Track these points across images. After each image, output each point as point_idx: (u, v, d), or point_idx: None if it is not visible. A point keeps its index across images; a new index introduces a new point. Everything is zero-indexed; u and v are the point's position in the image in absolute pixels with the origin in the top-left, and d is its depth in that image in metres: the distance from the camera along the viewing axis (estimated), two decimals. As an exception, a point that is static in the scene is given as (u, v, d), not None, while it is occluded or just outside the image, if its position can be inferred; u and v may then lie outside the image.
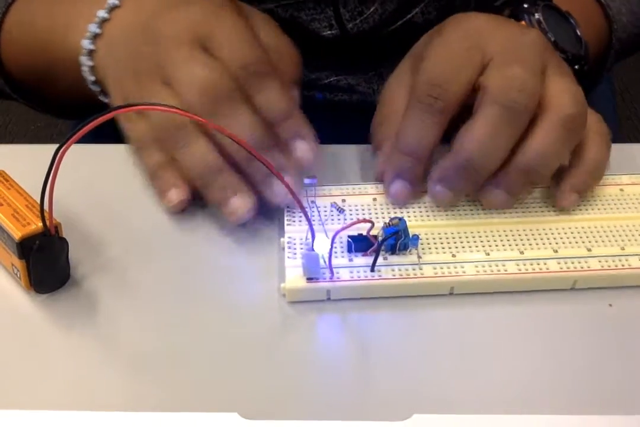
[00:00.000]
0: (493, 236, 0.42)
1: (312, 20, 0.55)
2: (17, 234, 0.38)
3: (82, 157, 0.43)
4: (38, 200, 0.36)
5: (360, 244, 0.40)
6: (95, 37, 0.45)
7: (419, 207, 0.43)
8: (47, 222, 0.37)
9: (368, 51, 0.58)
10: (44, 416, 0.35)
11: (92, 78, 0.46)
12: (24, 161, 0.45)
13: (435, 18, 0.44)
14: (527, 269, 0.40)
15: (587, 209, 0.44)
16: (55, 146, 0.35)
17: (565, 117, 0.41)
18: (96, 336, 0.39)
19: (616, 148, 0.45)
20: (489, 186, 0.42)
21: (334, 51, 0.58)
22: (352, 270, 0.40)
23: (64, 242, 0.39)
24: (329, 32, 0.56)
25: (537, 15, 0.48)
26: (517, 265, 0.40)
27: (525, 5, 0.49)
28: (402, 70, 0.46)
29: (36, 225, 0.38)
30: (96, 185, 0.45)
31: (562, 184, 0.43)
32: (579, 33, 0.47)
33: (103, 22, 0.45)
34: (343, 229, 0.39)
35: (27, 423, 0.35)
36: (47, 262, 0.39)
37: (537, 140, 0.41)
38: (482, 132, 0.40)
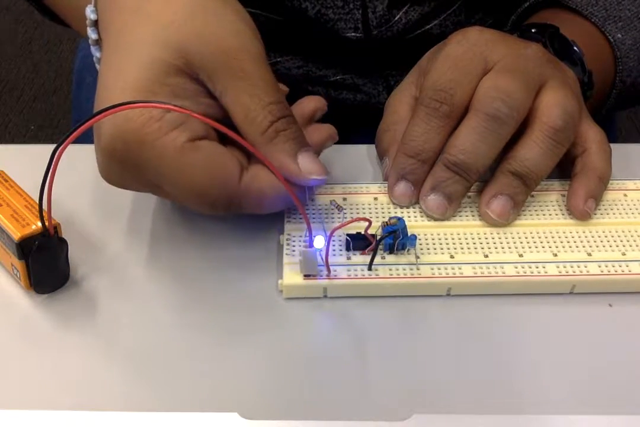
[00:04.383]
0: (492, 238, 0.42)
1: (339, 20, 0.56)
2: (16, 234, 0.38)
3: (81, 157, 0.43)
4: (37, 201, 0.36)
5: (358, 242, 0.40)
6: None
7: (419, 208, 0.43)
8: (46, 223, 0.37)
9: (379, 55, 0.59)
10: (44, 416, 0.35)
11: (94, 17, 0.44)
12: (24, 161, 0.46)
13: (450, 31, 0.46)
14: (525, 272, 0.40)
15: (589, 213, 0.44)
16: (54, 146, 0.35)
17: (551, 129, 0.42)
18: (96, 336, 0.39)
19: (615, 148, 0.45)
20: (486, 196, 0.43)
21: (347, 51, 0.58)
22: (350, 268, 0.40)
23: (63, 243, 0.39)
24: (352, 34, 0.56)
25: (543, 40, 0.49)
26: (516, 268, 0.40)
27: (533, 30, 0.50)
28: (408, 82, 0.47)
29: (35, 225, 0.38)
30: (96, 185, 0.45)
31: (577, 189, 0.43)
32: (583, 61, 0.48)
33: None
34: (340, 226, 0.39)
35: (27, 423, 0.35)
36: (46, 263, 0.39)
37: (523, 149, 0.42)
38: (465, 138, 0.42)
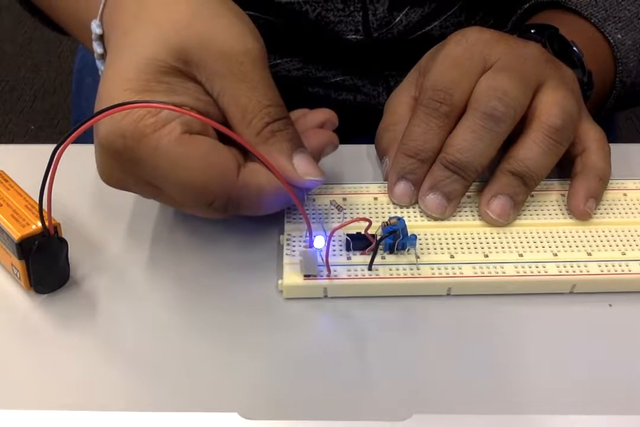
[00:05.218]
0: (492, 238, 0.42)
1: (340, 22, 0.56)
2: (16, 234, 0.38)
3: (81, 157, 0.43)
4: (37, 201, 0.36)
5: (358, 242, 0.41)
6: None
7: (419, 208, 0.43)
8: (46, 223, 0.37)
9: (380, 56, 0.59)
10: (44, 416, 0.35)
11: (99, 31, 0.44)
12: (24, 161, 0.46)
13: (451, 32, 0.46)
14: (525, 272, 0.40)
15: (589, 213, 0.44)
16: (54, 146, 0.35)
17: (550, 128, 0.42)
18: (96, 336, 0.39)
19: (615, 148, 0.45)
20: (485, 196, 0.43)
21: (347, 53, 0.58)
22: (350, 268, 0.40)
23: (63, 243, 0.39)
24: (353, 36, 0.56)
25: (542, 41, 0.49)
26: (516, 267, 0.40)
27: (532, 30, 0.50)
28: (407, 83, 0.48)
29: (35, 225, 0.38)
30: (96, 185, 0.45)
31: (578, 189, 0.43)
32: (583, 61, 0.48)
33: None
34: (340, 227, 0.39)
35: (27, 423, 0.35)
36: (46, 263, 0.39)
37: (523, 149, 0.42)
38: (462, 137, 0.42)
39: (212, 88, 0.39)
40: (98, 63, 0.44)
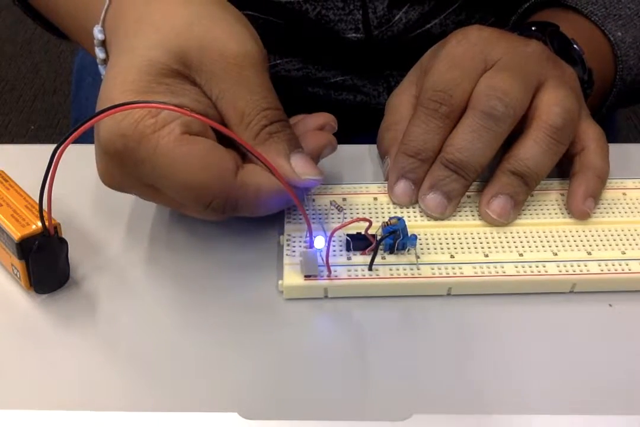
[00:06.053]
0: (492, 238, 0.42)
1: (339, 21, 0.56)
2: (16, 234, 0.38)
3: (81, 157, 0.43)
4: (37, 201, 0.36)
5: (358, 242, 0.41)
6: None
7: (419, 207, 0.43)
8: (47, 223, 0.37)
9: (380, 55, 0.59)
10: (44, 416, 0.35)
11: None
12: (24, 161, 0.46)
13: (451, 30, 0.46)
14: (525, 272, 0.40)
15: (588, 212, 0.43)
16: (54, 146, 0.35)
17: (551, 127, 0.42)
18: (96, 336, 0.39)
19: (615, 148, 0.45)
20: (486, 196, 0.43)
21: (348, 52, 0.58)
22: (350, 268, 0.40)
23: (63, 243, 0.39)
24: (353, 35, 0.57)
25: (543, 39, 0.49)
26: (516, 267, 0.40)
27: (533, 28, 0.50)
28: (408, 82, 0.48)
29: (36, 225, 0.38)
30: (96, 185, 0.45)
31: (576, 188, 0.43)
32: (583, 59, 0.48)
33: None
34: (340, 227, 0.39)
35: (27, 423, 0.35)
36: (46, 263, 0.39)
37: (523, 148, 0.42)
38: (462, 137, 0.42)
39: (211, 91, 0.39)
40: (100, 68, 0.45)
